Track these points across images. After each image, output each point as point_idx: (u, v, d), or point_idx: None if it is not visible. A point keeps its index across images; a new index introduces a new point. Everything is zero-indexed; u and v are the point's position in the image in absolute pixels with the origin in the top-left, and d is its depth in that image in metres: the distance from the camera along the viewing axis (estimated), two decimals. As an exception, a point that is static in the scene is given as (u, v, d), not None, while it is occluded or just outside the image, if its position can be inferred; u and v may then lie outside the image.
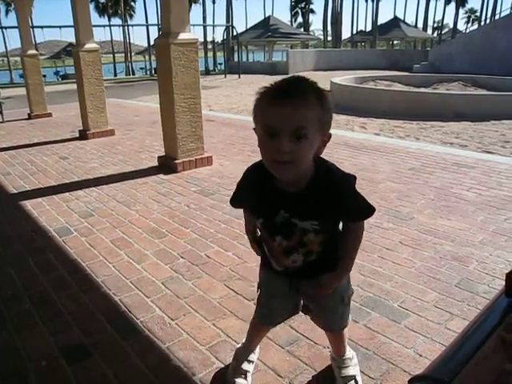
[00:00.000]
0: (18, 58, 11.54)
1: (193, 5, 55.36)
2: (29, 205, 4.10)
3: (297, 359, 1.91)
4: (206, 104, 12.34)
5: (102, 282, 2.64)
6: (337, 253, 1.47)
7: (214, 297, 2.37)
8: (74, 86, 7.89)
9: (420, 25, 64.39)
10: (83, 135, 7.25)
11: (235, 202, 1.55)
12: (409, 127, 8.63)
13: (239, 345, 1.88)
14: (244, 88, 18.29)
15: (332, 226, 1.42)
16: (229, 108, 11.94)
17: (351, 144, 5.94)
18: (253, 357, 1.84)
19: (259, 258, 2.80)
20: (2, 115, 9.70)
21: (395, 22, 50.89)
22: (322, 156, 1.35)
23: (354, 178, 1.37)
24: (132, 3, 64.43)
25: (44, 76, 12.14)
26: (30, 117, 9.86)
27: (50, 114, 10.02)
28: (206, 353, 1.97)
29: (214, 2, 68.20)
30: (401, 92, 11.32)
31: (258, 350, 1.88)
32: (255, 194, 1.40)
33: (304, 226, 1.35)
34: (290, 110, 1.14)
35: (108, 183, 4.62)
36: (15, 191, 4.59)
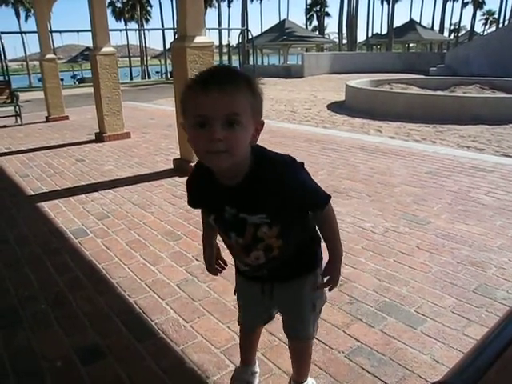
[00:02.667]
0: (37, 62, 11.69)
1: (208, 8, 55.72)
2: (46, 206, 4.15)
3: (311, 364, 1.89)
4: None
5: (117, 283, 2.65)
6: (304, 248, 1.44)
7: (229, 299, 2.36)
8: (91, 90, 7.98)
9: (436, 27, 63.93)
10: (99, 138, 7.32)
11: (191, 202, 1.46)
12: (425, 130, 8.55)
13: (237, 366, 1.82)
14: (259, 91, 18.30)
15: (285, 217, 1.30)
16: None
17: (367, 147, 5.90)
18: (253, 369, 1.78)
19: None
20: (20, 118, 9.85)
21: (411, 25, 50.53)
22: (260, 145, 1.27)
23: (300, 164, 1.29)
24: (148, 8, 65.03)
25: (61, 80, 12.31)
26: (47, 120, 10.00)
27: (67, 117, 10.15)
28: (220, 355, 1.96)
29: (229, 6, 68.60)
30: (417, 95, 11.22)
31: (257, 365, 1.80)
32: (201, 191, 1.35)
33: (254, 221, 1.27)
34: (221, 97, 1.08)
35: (124, 185, 4.66)
36: (33, 193, 4.65)
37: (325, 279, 1.45)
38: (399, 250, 2.91)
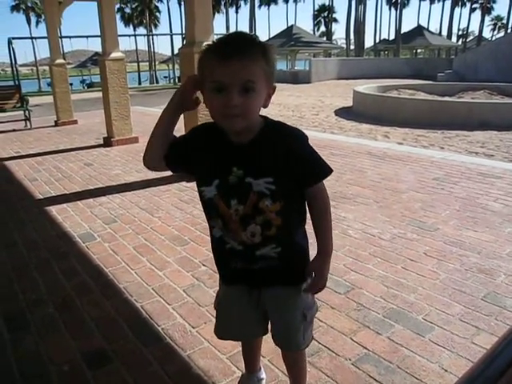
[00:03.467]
0: (47, 67, 11.79)
1: (216, 14, 56.02)
2: (54, 210, 4.17)
3: (318, 371, 1.88)
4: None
5: (124, 288, 2.66)
6: (298, 253, 1.42)
7: (235, 305, 2.36)
8: (100, 94, 8.03)
9: (444, 33, 63.92)
10: (107, 142, 7.36)
11: (173, 158, 1.36)
12: (433, 136, 8.51)
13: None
14: (266, 96, 18.33)
15: (288, 189, 1.30)
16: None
17: (374, 153, 5.88)
18: (259, 376, 1.77)
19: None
20: (30, 122, 9.94)
21: (419, 31, 50.42)
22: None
23: (306, 136, 1.33)
24: (157, 14, 65.52)
25: (71, 84, 12.40)
26: (56, 124, 10.08)
27: (75, 122, 10.23)
28: (226, 362, 1.96)
29: (236, 12, 69.02)
30: (425, 101, 11.18)
31: (262, 371, 1.80)
32: (208, 153, 1.32)
33: (259, 188, 1.26)
34: (238, 66, 1.16)
35: (131, 190, 4.68)
36: (41, 197, 4.68)
37: (309, 279, 1.42)
38: (407, 256, 2.89)
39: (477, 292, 2.42)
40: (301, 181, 1.31)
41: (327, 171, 1.32)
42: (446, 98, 11.70)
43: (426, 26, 57.80)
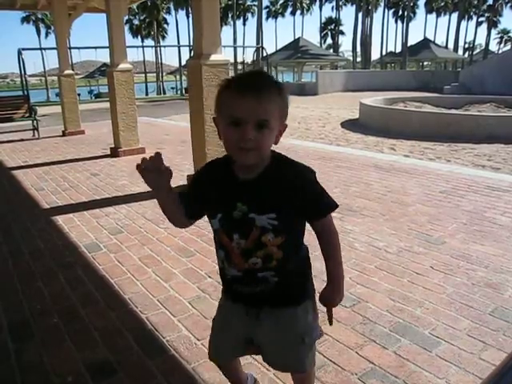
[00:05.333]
0: (55, 77, 11.92)
1: (224, 26, 56.48)
2: (60, 220, 4.19)
3: (324, 385, 1.86)
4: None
5: (130, 299, 2.65)
6: (296, 276, 1.43)
7: (240, 318, 2.35)
8: (107, 105, 8.09)
9: (451, 45, 64.03)
10: (114, 153, 7.40)
11: (192, 199, 1.44)
12: (439, 149, 8.50)
13: None
14: (273, 108, 18.40)
15: (290, 224, 1.34)
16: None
17: (380, 166, 5.88)
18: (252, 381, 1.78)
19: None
20: (38, 132, 10.02)
21: (425, 43, 50.66)
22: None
23: (313, 171, 1.36)
24: (165, 25, 66.18)
25: (78, 95, 12.52)
26: (64, 134, 10.16)
27: (83, 132, 10.30)
28: (231, 375, 1.94)
29: (244, 24, 69.57)
30: (431, 113, 11.18)
31: (250, 373, 1.82)
32: (214, 188, 1.38)
33: (262, 223, 1.30)
34: (255, 103, 1.22)
35: (137, 200, 4.69)
36: (48, 206, 4.70)
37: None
38: (413, 270, 2.87)
39: (484, 307, 2.40)
40: (305, 216, 1.37)
41: (332, 206, 1.37)
42: (453, 111, 11.70)
43: (432, 39, 58.03)
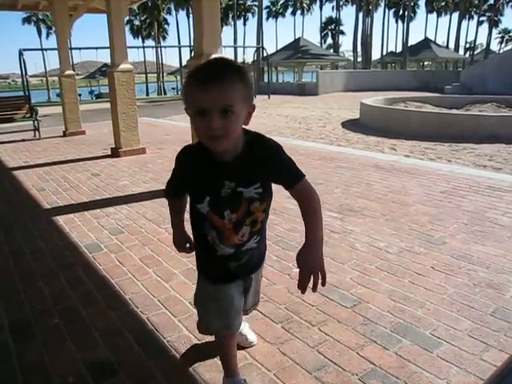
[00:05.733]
0: (56, 78, 11.94)
1: (224, 27, 56.45)
2: (61, 220, 4.19)
3: (324, 386, 1.86)
4: (236, 123, 12.44)
5: (130, 299, 2.65)
6: (264, 238, 1.70)
7: (242, 318, 2.34)
8: (108, 105, 8.09)
9: (452, 45, 63.93)
10: (115, 153, 7.40)
11: (173, 192, 1.71)
12: (440, 149, 8.49)
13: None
14: (273, 108, 18.43)
15: (270, 190, 1.56)
16: (258, 128, 11.97)
17: (381, 166, 5.87)
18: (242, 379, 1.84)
19: (288, 280, 2.78)
20: (39, 132, 10.03)
21: (426, 43, 50.58)
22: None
23: (281, 146, 1.50)
24: (165, 26, 66.20)
25: (79, 95, 12.53)
26: (64, 134, 10.16)
27: (83, 132, 10.31)
28: (231, 375, 1.94)
29: (244, 24, 69.62)
30: (432, 113, 11.17)
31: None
32: (197, 173, 1.50)
33: (249, 194, 1.48)
34: (217, 92, 1.29)
35: (138, 201, 4.68)
36: (48, 206, 4.70)
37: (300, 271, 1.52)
38: (414, 270, 2.87)
39: (485, 307, 2.39)
40: (282, 184, 1.51)
41: (300, 176, 1.51)
42: (454, 111, 11.69)
43: (433, 39, 57.96)
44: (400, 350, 2.06)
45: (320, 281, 1.49)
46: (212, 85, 1.28)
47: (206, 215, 1.52)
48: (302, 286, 1.49)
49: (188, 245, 1.79)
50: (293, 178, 1.50)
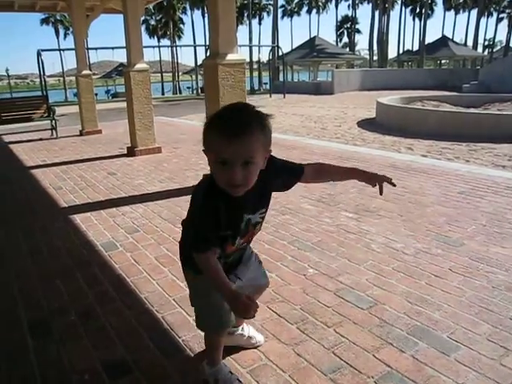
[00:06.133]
0: (73, 78, 12.08)
1: (239, 26, 56.52)
2: (78, 219, 4.23)
3: (340, 388, 1.84)
4: (251, 123, 12.43)
5: (146, 298, 2.66)
6: None
7: (257, 319, 2.32)
8: (124, 104, 8.15)
9: (470, 43, 63.07)
10: (131, 152, 7.45)
11: (214, 237, 1.51)
12: (458, 149, 8.38)
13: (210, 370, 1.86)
14: (289, 108, 18.37)
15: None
16: (273, 127, 11.92)
17: (398, 166, 5.82)
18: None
19: (304, 280, 2.76)
20: (56, 132, 10.15)
21: (443, 41, 49.98)
22: None
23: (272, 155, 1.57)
24: (181, 25, 66.47)
25: (96, 94, 12.65)
26: (81, 133, 10.27)
27: (100, 131, 10.40)
28: (246, 376, 1.93)
29: (259, 23, 69.53)
30: (449, 112, 11.03)
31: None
32: (222, 214, 1.50)
33: (255, 220, 1.61)
34: (240, 146, 1.34)
35: (154, 200, 4.71)
36: (65, 205, 4.75)
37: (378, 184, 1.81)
38: (431, 272, 2.83)
39: (505, 311, 2.35)
40: (294, 182, 1.73)
41: (299, 164, 1.71)
42: (472, 110, 11.52)
43: (450, 37, 57.23)
44: (417, 353, 2.03)
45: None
46: (236, 139, 1.33)
47: (223, 243, 1.60)
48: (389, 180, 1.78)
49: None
50: (298, 168, 1.70)
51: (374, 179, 1.78)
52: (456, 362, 1.96)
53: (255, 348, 2.10)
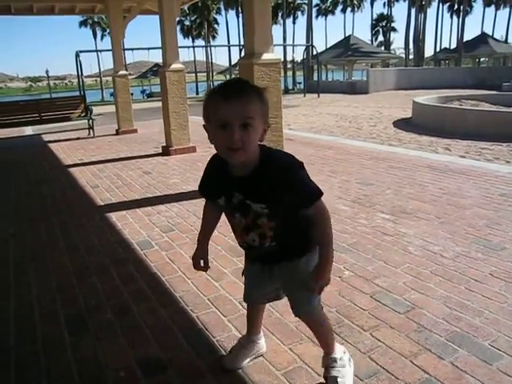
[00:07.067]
0: (109, 78, 12.34)
1: (273, 25, 56.46)
2: (114, 217, 4.30)
3: (377, 394, 1.80)
4: (285, 123, 12.32)
5: (180, 297, 2.68)
6: (296, 243, 1.70)
7: (291, 320, 2.30)
8: (159, 104, 8.26)
9: (511, 40, 61.05)
10: (166, 151, 7.54)
11: (203, 188, 1.76)
12: (498, 149, 8.11)
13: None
14: (323, 107, 18.23)
15: (281, 212, 1.60)
16: (308, 127, 11.90)
17: (435, 166, 5.67)
18: (254, 338, 2.03)
19: (339, 282, 2.73)
20: (93, 131, 10.39)
21: (483, 38, 48.52)
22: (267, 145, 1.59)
23: (297, 164, 1.54)
24: (215, 25, 66.97)
25: (131, 94, 12.88)
26: (117, 132, 10.48)
27: (135, 130, 10.58)
28: (281, 378, 1.92)
29: (294, 23, 69.25)
30: (489, 112, 10.69)
31: (259, 336, 2.07)
32: (216, 178, 1.64)
33: (256, 209, 1.58)
34: (239, 106, 1.39)
35: (189, 199, 4.74)
36: (102, 203, 4.84)
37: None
38: (471, 276, 2.74)
39: (550, 319, 2.25)
40: (293, 206, 1.57)
41: (316, 196, 1.56)
42: (513, 109, 11.14)
43: (490, 34, 55.53)
44: (456, 361, 1.97)
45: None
46: (234, 99, 1.39)
47: (223, 209, 1.73)
48: (320, 291, 1.71)
49: (203, 263, 1.90)
50: (306, 201, 1.56)
51: (314, 277, 1.67)
52: (499, 372, 1.88)
53: (292, 350, 2.08)
